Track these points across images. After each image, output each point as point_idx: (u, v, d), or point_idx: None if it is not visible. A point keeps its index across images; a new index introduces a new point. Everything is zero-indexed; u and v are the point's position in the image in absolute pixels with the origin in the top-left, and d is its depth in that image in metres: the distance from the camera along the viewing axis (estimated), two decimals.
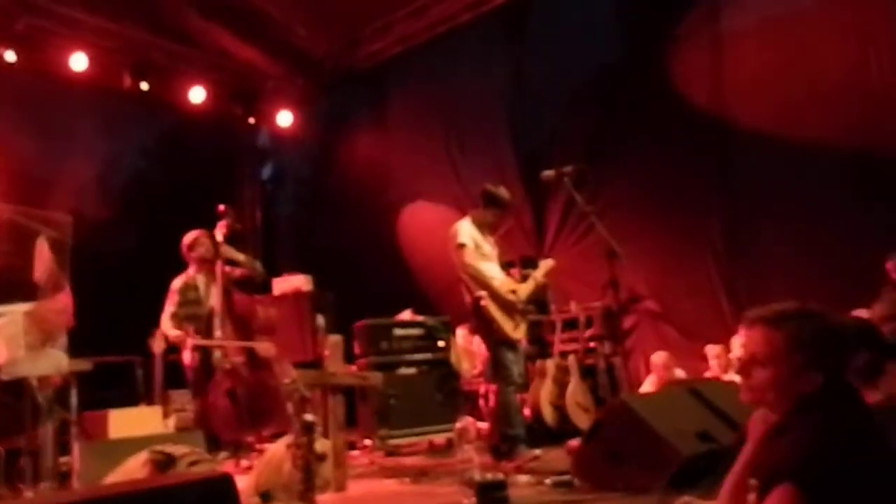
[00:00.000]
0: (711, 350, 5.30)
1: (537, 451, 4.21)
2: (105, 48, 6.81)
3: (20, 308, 3.95)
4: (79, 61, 6.54)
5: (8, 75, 5.94)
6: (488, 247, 4.43)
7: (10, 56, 6.09)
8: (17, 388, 4.14)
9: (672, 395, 3.93)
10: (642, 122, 6.22)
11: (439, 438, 5.32)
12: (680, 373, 5.42)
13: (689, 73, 6.03)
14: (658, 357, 5.48)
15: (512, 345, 4.26)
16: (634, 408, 3.23)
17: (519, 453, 4.08)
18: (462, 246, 4.32)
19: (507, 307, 4.27)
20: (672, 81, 6.08)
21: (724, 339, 5.31)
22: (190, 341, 4.84)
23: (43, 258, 4.24)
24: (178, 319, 4.92)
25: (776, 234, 5.50)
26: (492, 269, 4.38)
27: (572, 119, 6.75)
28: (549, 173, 4.29)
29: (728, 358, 5.11)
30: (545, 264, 4.61)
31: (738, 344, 4.87)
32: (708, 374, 5.27)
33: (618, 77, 6.52)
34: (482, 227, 4.45)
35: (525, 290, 4.40)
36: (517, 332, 4.29)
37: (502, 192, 4.48)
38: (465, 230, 4.38)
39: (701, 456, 3.07)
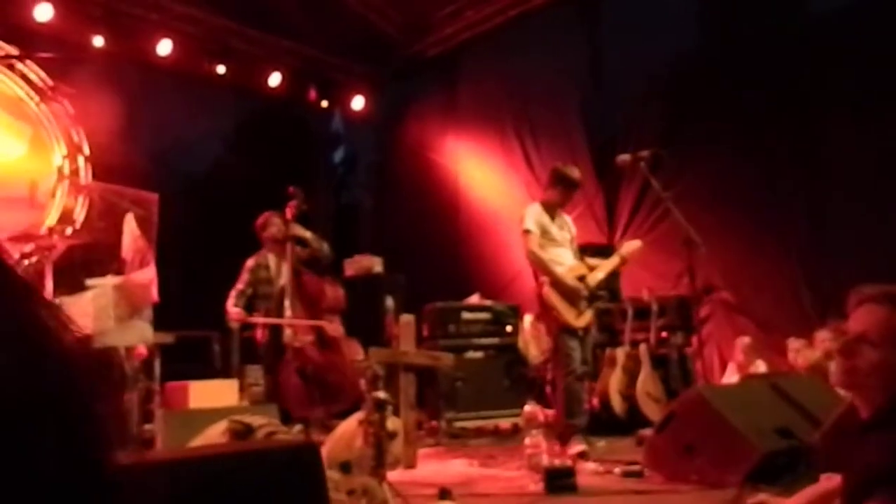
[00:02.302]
0: (794, 343, 5.10)
1: (601, 443, 4.17)
2: (189, 34, 7.03)
3: (110, 281, 4.16)
4: (164, 47, 6.78)
5: (96, 59, 6.20)
6: (556, 229, 4.35)
7: (98, 41, 6.37)
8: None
9: (751, 389, 3.81)
10: (720, 109, 6.00)
11: (505, 423, 5.32)
12: (761, 365, 5.23)
13: (771, 58, 5.77)
14: (741, 342, 5.31)
15: (573, 332, 4.20)
16: (711, 400, 3.14)
17: (573, 443, 4.05)
18: (526, 232, 4.30)
19: (570, 295, 4.20)
20: (752, 66, 5.84)
21: (804, 333, 5.10)
22: (253, 320, 5.00)
23: (131, 235, 4.46)
24: (245, 297, 5.08)
25: (862, 224, 5.23)
26: (562, 255, 4.32)
27: (647, 105, 6.57)
28: (624, 157, 4.21)
29: (810, 352, 4.90)
30: (631, 245, 4.48)
31: (822, 338, 4.67)
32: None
33: (695, 63, 6.31)
34: (553, 208, 4.39)
35: (596, 276, 4.31)
36: (580, 320, 4.21)
37: (570, 170, 4.41)
38: (532, 215, 4.34)
39: (780, 452, 2.97)
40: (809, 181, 5.64)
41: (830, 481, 1.86)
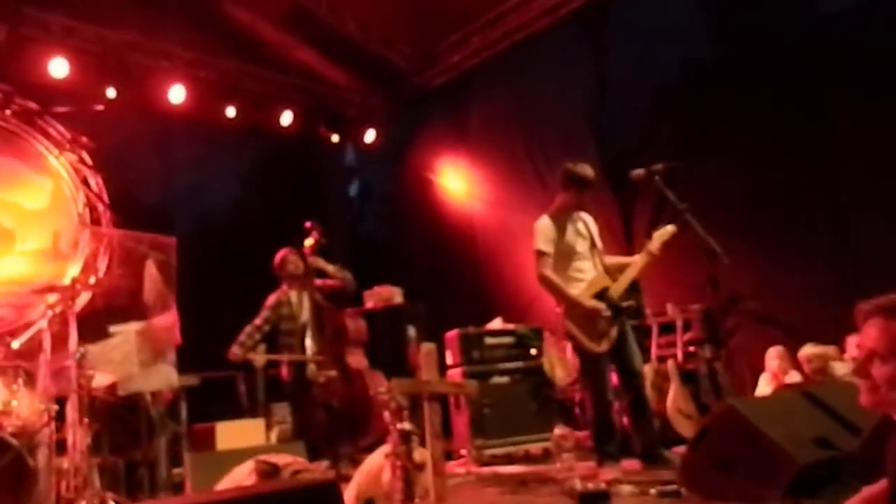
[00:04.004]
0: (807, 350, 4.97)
1: (634, 464, 4.06)
2: (199, 79, 7.17)
3: (132, 327, 4.20)
4: (177, 94, 6.91)
5: (110, 110, 6.33)
6: (573, 236, 4.17)
7: (112, 92, 6.51)
8: (133, 404, 4.40)
9: (784, 399, 3.70)
10: (734, 117, 5.95)
11: (535, 448, 5.24)
12: (795, 375, 5.10)
13: (781, 62, 5.73)
14: (774, 352, 5.19)
15: (597, 358, 4.09)
16: (744, 413, 3.05)
17: (606, 470, 3.95)
18: (538, 254, 4.14)
19: (588, 319, 4.06)
20: (763, 72, 5.80)
21: (835, 340, 4.97)
22: (251, 357, 5.00)
23: (152, 279, 4.51)
24: (262, 333, 5.09)
25: (889, 227, 5.12)
26: (582, 267, 4.14)
27: (659, 119, 6.54)
28: (638, 172, 4.15)
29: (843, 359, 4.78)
30: (662, 234, 4.14)
31: (854, 344, 4.55)
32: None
33: (705, 72, 6.28)
34: (567, 213, 4.21)
35: (620, 287, 4.14)
36: (602, 344, 4.06)
37: (582, 168, 4.23)
38: (541, 233, 4.17)
39: (820, 464, 2.88)
40: (831, 184, 5.54)
41: (876, 488, 1.82)
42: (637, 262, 4.16)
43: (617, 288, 4.14)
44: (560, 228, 4.21)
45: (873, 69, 5.17)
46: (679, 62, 6.47)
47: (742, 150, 5.89)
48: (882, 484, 1.74)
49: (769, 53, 5.78)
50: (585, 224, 4.28)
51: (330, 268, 5.21)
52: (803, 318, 5.50)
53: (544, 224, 4.21)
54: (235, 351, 4.96)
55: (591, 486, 3.36)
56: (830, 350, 4.77)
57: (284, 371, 5.10)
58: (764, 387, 5.22)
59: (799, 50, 5.66)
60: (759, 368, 5.48)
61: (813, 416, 3.17)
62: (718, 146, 6.02)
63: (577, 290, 4.14)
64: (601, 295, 4.14)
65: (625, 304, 4.18)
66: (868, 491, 1.86)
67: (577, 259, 4.18)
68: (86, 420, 3.67)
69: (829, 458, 2.88)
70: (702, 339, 5.51)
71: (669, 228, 4.13)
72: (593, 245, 4.26)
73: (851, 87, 5.34)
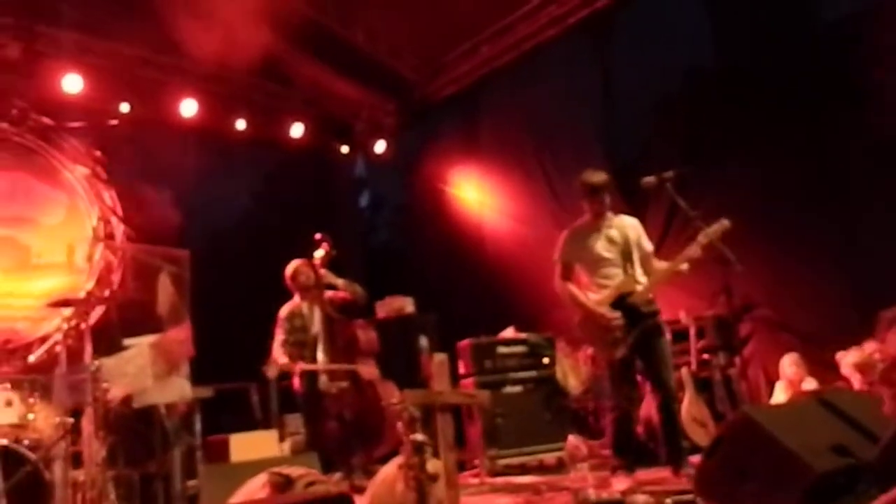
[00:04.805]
0: (843, 357, 4.92)
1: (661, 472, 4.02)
2: (211, 93, 7.24)
3: (146, 340, 4.23)
4: (189, 107, 6.98)
5: (125, 125, 6.40)
6: (602, 243, 4.14)
7: (125, 107, 6.58)
8: (148, 417, 4.42)
9: (800, 407, 3.66)
10: (743, 123, 5.93)
11: (549, 457, 5.22)
12: (811, 382, 5.05)
13: (787, 67, 5.71)
14: (789, 359, 5.14)
15: (612, 365, 4.07)
16: (760, 421, 3.02)
17: (619, 479, 3.94)
18: (555, 262, 4.22)
19: (601, 325, 4.03)
20: (770, 76, 5.78)
21: (851, 347, 4.92)
22: (298, 367, 5.00)
23: (165, 292, 4.54)
24: (288, 346, 5.11)
25: None
26: (609, 273, 4.10)
27: (667, 125, 6.53)
28: (649, 180, 4.15)
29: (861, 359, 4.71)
30: (713, 230, 3.90)
31: (870, 349, 4.50)
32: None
33: (711, 78, 6.27)
34: (592, 221, 4.21)
35: (646, 290, 4.07)
36: (617, 351, 4.01)
37: (588, 175, 4.20)
38: (561, 243, 4.25)
39: (837, 472, 2.84)
40: (841, 189, 5.50)
41: (892, 496, 1.80)
42: (671, 265, 4.06)
43: (644, 292, 4.07)
44: (582, 237, 4.22)
45: (877, 73, 5.14)
46: (685, 69, 6.47)
47: (751, 157, 5.86)
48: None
49: (774, 59, 5.76)
50: (621, 230, 4.22)
51: (339, 282, 5.23)
52: (818, 325, 5.45)
53: (564, 235, 4.28)
54: (287, 364, 4.98)
55: (605, 495, 3.34)
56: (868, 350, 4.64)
57: (297, 382, 5.11)
58: (780, 394, 5.18)
59: (803, 55, 5.64)
60: (774, 376, 5.44)
61: (829, 424, 3.14)
62: (727, 153, 6.01)
63: (600, 297, 4.11)
64: (622, 300, 4.08)
65: (646, 308, 4.08)
66: (885, 498, 1.84)
67: (605, 266, 4.15)
68: (101, 433, 3.70)
69: (847, 467, 2.85)
70: (716, 346, 5.48)
71: (722, 225, 3.91)
72: (628, 251, 4.18)
73: (857, 91, 5.31)
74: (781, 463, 2.89)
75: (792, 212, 5.61)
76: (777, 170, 5.71)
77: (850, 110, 5.38)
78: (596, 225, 4.23)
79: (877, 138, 5.17)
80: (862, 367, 4.60)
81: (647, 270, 4.18)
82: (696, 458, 3.80)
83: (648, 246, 4.29)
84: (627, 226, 4.26)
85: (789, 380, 5.11)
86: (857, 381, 4.64)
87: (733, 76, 6.04)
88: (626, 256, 4.16)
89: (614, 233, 4.20)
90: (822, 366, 5.16)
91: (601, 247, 4.17)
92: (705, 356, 5.49)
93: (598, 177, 4.23)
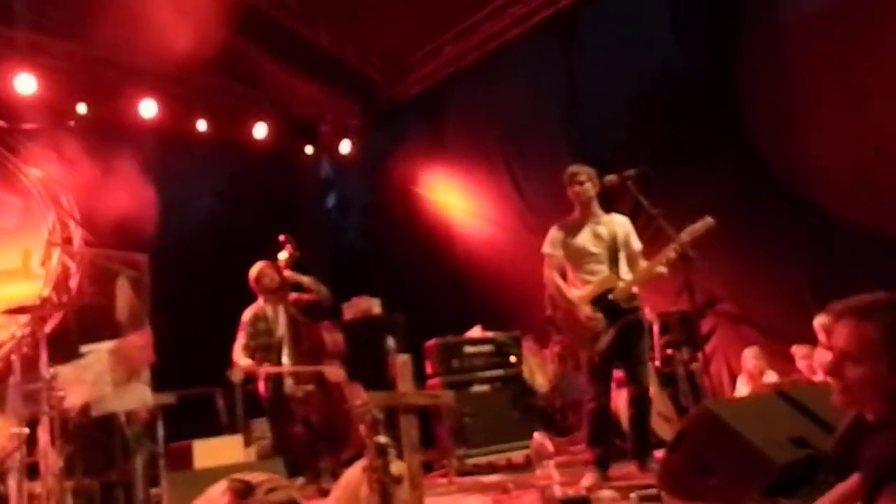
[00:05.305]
0: (799, 350, 5.03)
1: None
2: (171, 93, 7.11)
3: (105, 346, 4.13)
4: (148, 108, 6.85)
5: (82, 126, 6.25)
6: (588, 237, 4.17)
7: (82, 108, 6.43)
8: (107, 425, 4.33)
9: (760, 400, 3.73)
10: (706, 122, 6.01)
11: (517, 456, 5.22)
12: (772, 375, 5.15)
13: (750, 70, 5.80)
14: (749, 353, 5.22)
15: (591, 361, 4.09)
16: (721, 415, 3.06)
17: (586, 476, 3.98)
18: (545, 255, 4.26)
19: (580, 324, 4.04)
20: (732, 77, 5.87)
21: (811, 339, 5.02)
22: (262, 370, 4.94)
23: (124, 297, 4.44)
24: (249, 350, 5.03)
25: (860, 226, 5.19)
26: (594, 269, 4.13)
27: (633, 126, 6.58)
28: (611, 178, 4.18)
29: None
30: (695, 229, 3.88)
31: (800, 354, 4.62)
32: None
33: (676, 78, 6.34)
34: (579, 216, 4.24)
35: (627, 287, 4.06)
36: (593, 346, 4.03)
37: (567, 171, 4.29)
38: (548, 237, 4.29)
39: (796, 463, 2.89)
40: (804, 186, 5.61)
41: (848, 485, 1.84)
42: (652, 262, 4.05)
43: (625, 289, 4.07)
44: (569, 232, 4.25)
45: (836, 75, 5.25)
46: (650, 69, 6.52)
47: (714, 155, 5.95)
48: (854, 480, 1.75)
49: (735, 60, 5.84)
50: (609, 227, 4.24)
51: (305, 280, 5.17)
52: (778, 319, 5.55)
53: (551, 230, 4.32)
54: (249, 365, 4.89)
55: (571, 492, 3.35)
56: None
57: (262, 386, 5.03)
58: (742, 388, 5.26)
59: (764, 57, 5.74)
60: (736, 370, 5.53)
61: (789, 417, 3.19)
62: (691, 151, 6.08)
63: (583, 293, 4.13)
64: (604, 297, 4.09)
65: (627, 304, 4.07)
66: (841, 487, 1.88)
67: (591, 262, 4.17)
68: (58, 443, 3.61)
69: (806, 458, 2.90)
70: (679, 341, 5.55)
71: (705, 223, 3.89)
72: (615, 248, 4.19)
73: (818, 91, 5.42)
74: (743, 456, 2.93)
75: (753, 209, 5.70)
76: (740, 168, 5.80)
77: (812, 110, 5.48)
78: (584, 221, 4.26)
79: (841, 135, 5.27)
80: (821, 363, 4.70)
81: (634, 269, 4.20)
82: (661, 453, 3.84)
83: (637, 245, 4.30)
84: (616, 223, 4.28)
85: (750, 373, 5.20)
86: (815, 375, 4.75)
87: (698, 77, 6.12)
88: (613, 253, 4.18)
89: (602, 229, 4.22)
90: (783, 359, 5.27)
91: (587, 242, 4.19)
92: (669, 351, 5.56)
93: (571, 168, 4.28)
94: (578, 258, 4.19)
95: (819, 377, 4.62)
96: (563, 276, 4.29)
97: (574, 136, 7.00)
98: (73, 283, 5.86)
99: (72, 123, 5.93)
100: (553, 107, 7.16)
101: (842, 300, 1.69)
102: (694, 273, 4.11)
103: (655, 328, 5.53)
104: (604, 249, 4.17)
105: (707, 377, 4.77)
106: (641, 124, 6.51)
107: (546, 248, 4.27)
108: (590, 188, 4.22)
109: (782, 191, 5.65)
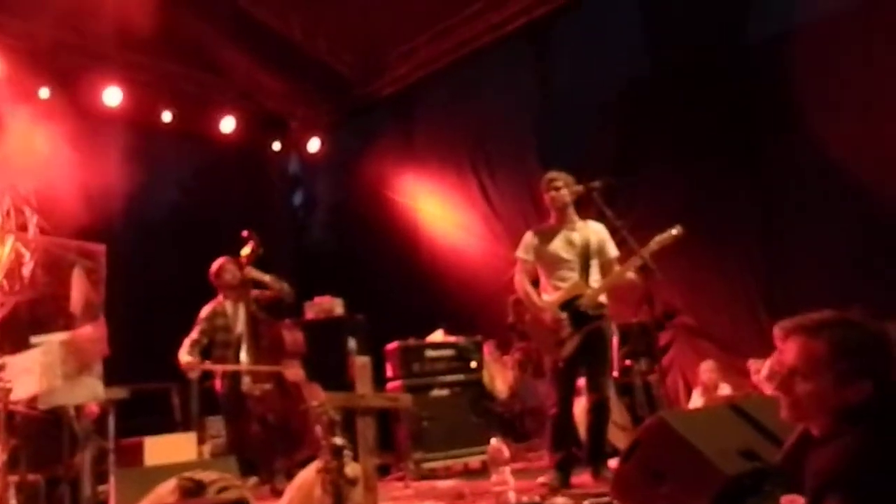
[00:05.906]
0: (754, 365, 5.14)
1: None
2: (138, 82, 6.98)
3: (56, 338, 4.02)
4: (113, 96, 6.70)
5: (42, 112, 6.09)
6: (560, 244, 4.18)
7: (45, 93, 6.27)
8: (56, 418, 4.20)
9: (713, 412, 3.79)
10: (675, 135, 6.11)
11: (474, 461, 5.23)
12: (726, 388, 5.25)
13: (717, 84, 5.92)
14: (705, 366, 5.32)
15: (556, 366, 4.11)
16: (674, 425, 3.11)
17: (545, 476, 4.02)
18: (517, 260, 4.27)
19: (546, 329, 4.07)
20: (699, 91, 5.98)
21: (765, 353, 5.14)
22: (218, 368, 4.86)
23: (79, 288, 4.33)
24: (200, 347, 4.93)
25: (816, 242, 5.33)
26: (565, 275, 4.14)
27: (602, 135, 6.66)
28: (577, 188, 4.22)
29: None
30: (661, 239, 3.90)
31: (755, 367, 4.72)
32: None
33: (645, 90, 6.43)
34: (555, 223, 4.26)
35: (595, 294, 4.07)
36: (559, 352, 4.03)
37: (544, 176, 4.33)
38: (524, 240, 4.29)
39: (745, 475, 2.95)
40: (763, 201, 5.73)
41: (792, 498, 1.88)
42: (619, 270, 4.08)
43: (592, 296, 4.08)
44: (543, 238, 4.26)
45: (800, 93, 5.38)
46: (620, 79, 6.61)
47: (678, 167, 6.05)
48: (798, 498, 1.79)
49: (703, 73, 5.96)
50: (583, 233, 4.24)
51: (267, 277, 5.10)
52: (734, 332, 5.67)
53: (525, 236, 4.32)
54: (189, 362, 4.78)
55: (524, 498, 3.37)
56: None
57: (219, 383, 4.95)
58: (697, 400, 5.36)
59: (731, 72, 5.86)
60: (693, 382, 5.63)
61: (740, 429, 3.25)
62: (656, 162, 6.18)
63: (552, 298, 4.14)
64: (571, 303, 4.10)
65: (594, 311, 4.08)
66: (786, 500, 1.92)
67: (562, 268, 4.17)
68: (2, 435, 3.50)
69: (754, 470, 2.95)
70: (637, 352, 5.62)
71: (671, 233, 3.92)
72: (587, 255, 4.20)
73: (783, 108, 5.55)
74: (694, 466, 2.98)
75: (712, 222, 5.81)
76: (703, 181, 5.91)
77: (775, 126, 5.61)
78: (559, 227, 4.27)
79: (798, 153, 5.40)
80: (770, 377, 4.81)
81: (607, 277, 4.22)
82: (615, 462, 3.88)
83: (612, 252, 4.29)
84: (590, 230, 4.29)
85: (705, 386, 5.30)
86: (767, 389, 4.85)
87: (666, 88, 6.21)
88: (584, 260, 4.20)
89: (575, 236, 4.23)
90: (738, 372, 5.38)
91: (560, 248, 4.20)
92: (627, 362, 5.63)
93: (548, 174, 4.30)
94: (551, 264, 4.21)
95: (769, 390, 4.73)
96: (535, 282, 4.30)
97: (543, 144, 7.05)
98: (27, 271, 5.67)
99: (31, 108, 5.75)
100: (524, 114, 7.21)
101: (790, 318, 1.74)
102: (654, 285, 4.17)
103: (615, 339, 5.59)
104: (576, 256, 4.19)
105: (663, 388, 4.84)
106: (609, 133, 6.59)
107: (519, 253, 4.28)
108: (566, 194, 4.24)
109: (742, 204, 5.77)
